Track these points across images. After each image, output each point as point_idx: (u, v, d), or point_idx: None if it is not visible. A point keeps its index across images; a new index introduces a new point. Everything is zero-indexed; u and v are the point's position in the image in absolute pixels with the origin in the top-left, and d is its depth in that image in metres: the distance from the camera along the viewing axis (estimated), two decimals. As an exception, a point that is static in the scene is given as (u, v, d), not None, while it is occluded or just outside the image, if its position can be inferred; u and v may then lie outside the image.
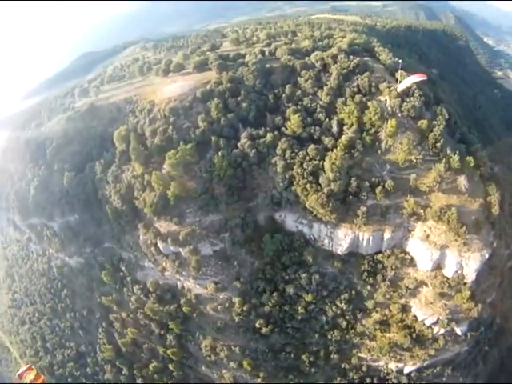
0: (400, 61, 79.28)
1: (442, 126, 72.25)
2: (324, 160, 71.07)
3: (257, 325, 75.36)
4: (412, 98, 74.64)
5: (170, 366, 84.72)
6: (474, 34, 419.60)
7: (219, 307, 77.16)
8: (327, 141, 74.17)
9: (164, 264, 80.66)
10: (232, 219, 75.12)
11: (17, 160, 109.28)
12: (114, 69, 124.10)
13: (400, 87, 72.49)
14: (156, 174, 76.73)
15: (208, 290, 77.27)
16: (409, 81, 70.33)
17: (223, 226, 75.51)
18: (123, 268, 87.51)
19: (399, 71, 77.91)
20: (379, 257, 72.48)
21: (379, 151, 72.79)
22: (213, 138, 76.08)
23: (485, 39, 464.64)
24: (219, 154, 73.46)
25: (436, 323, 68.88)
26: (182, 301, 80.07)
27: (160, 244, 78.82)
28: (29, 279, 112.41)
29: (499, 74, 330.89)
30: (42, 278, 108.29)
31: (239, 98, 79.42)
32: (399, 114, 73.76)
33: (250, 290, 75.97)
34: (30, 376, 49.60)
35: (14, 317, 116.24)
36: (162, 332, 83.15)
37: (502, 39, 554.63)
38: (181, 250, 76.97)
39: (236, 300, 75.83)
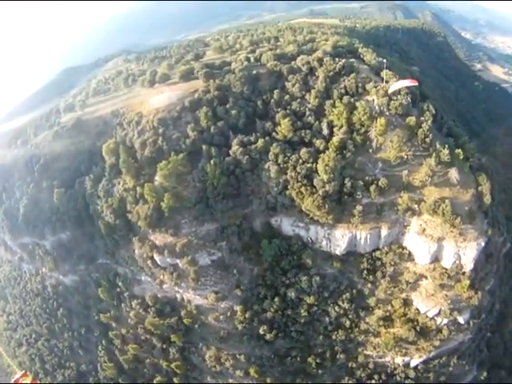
0: (385, 60, 78.44)
1: (429, 122, 71.66)
2: (317, 162, 69.51)
3: (260, 331, 72.94)
4: (399, 96, 73.75)
5: (175, 380, 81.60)
6: (452, 29, 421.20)
7: (221, 317, 74.49)
8: (319, 143, 72.51)
9: (162, 277, 77.52)
10: (228, 227, 72.70)
11: (4, 178, 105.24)
12: (98, 82, 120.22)
13: (391, 89, 71.48)
14: (148, 185, 73.74)
15: (208, 300, 74.51)
16: (400, 84, 69.74)
17: (220, 234, 73.01)
18: (120, 283, 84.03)
19: (384, 70, 77.07)
20: (377, 254, 71.12)
21: (370, 150, 71.67)
22: (204, 147, 73.46)
23: (462, 33, 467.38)
24: (211, 162, 70.96)
25: (438, 314, 68.08)
26: (183, 313, 77.12)
27: (156, 257, 75.78)
28: (23, 300, 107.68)
29: (478, 66, 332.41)
30: (36, 298, 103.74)
31: (228, 106, 77.01)
32: (387, 113, 72.82)
33: (251, 296, 73.54)
34: (26, 382, 45.93)
35: (11, 339, 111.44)
36: (164, 346, 79.96)
37: (479, 32, 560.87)
38: (178, 261, 74.12)
39: (238, 308, 73.28)
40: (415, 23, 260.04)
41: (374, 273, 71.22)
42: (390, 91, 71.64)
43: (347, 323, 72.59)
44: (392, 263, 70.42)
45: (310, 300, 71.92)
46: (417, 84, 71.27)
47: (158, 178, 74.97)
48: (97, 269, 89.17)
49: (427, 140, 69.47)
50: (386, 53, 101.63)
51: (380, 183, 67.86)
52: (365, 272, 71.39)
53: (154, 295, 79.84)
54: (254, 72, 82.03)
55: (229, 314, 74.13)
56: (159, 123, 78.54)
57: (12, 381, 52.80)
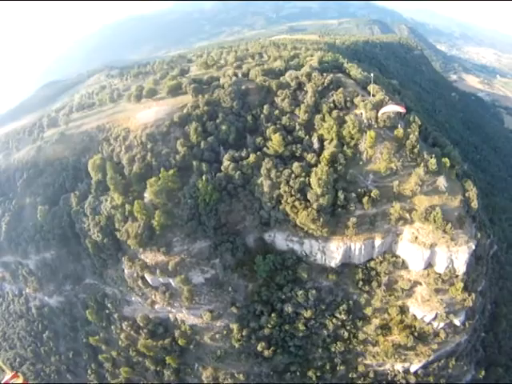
0: (372, 74, 75.79)
1: (416, 133, 69.68)
2: (309, 176, 65.81)
3: (258, 348, 67.97)
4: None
5: (170, 403, 74.78)
6: (427, 42, 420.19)
7: (217, 335, 68.98)
8: (310, 157, 68.75)
9: (153, 297, 71.21)
10: (221, 244, 67.35)
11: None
12: (82, 97, 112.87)
13: (381, 111, 69.21)
14: (138, 203, 67.64)
15: (203, 320, 68.82)
16: (390, 108, 68.30)
17: (213, 251, 67.57)
18: (108, 304, 76.82)
19: (371, 85, 74.37)
20: (372, 264, 68.02)
21: (361, 162, 68.81)
22: (194, 163, 68.26)
23: (438, 46, 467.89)
24: (203, 178, 65.71)
25: (435, 318, 65.91)
26: (177, 333, 71.01)
27: (148, 276, 69.50)
28: (6, 322, 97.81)
29: (454, 77, 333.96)
30: (20, 319, 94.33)
31: (217, 121, 72.18)
32: (375, 126, 70.19)
33: (247, 314, 68.45)
34: (17, 383, 38.42)
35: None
36: (157, 368, 73.27)
37: (454, 44, 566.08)
38: (171, 280, 68.16)
39: (234, 326, 68.03)
40: (392, 38, 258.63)
41: (369, 283, 68.05)
42: (379, 113, 69.39)
43: (345, 334, 68.68)
44: (386, 272, 67.50)
45: (307, 314, 67.59)
46: (405, 111, 70.21)
47: (147, 195, 69.06)
48: (84, 289, 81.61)
49: (415, 150, 67.79)
50: (366, 67, 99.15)
51: (372, 194, 65.22)
52: (360, 283, 68.01)
53: (145, 316, 73.17)
54: (243, 87, 77.53)
55: (225, 332, 68.70)
56: (147, 138, 72.77)
57: (3, 382, 45.66)
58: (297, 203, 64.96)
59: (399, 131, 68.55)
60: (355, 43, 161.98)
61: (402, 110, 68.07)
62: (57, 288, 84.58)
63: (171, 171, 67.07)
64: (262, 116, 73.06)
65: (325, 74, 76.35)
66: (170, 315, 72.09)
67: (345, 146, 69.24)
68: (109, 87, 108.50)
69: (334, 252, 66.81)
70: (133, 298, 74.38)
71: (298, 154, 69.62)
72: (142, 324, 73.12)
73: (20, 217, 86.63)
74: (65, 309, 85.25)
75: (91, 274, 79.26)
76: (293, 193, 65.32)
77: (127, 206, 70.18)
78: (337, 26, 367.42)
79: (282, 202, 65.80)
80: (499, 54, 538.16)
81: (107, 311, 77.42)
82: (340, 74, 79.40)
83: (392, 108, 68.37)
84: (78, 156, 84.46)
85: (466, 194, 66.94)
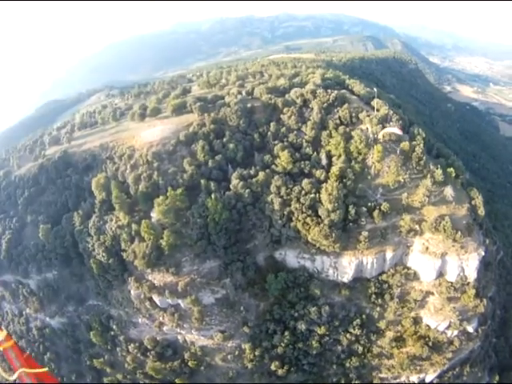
0: (375, 90, 72.88)
1: (421, 145, 66.96)
2: (319, 192, 61.94)
3: (272, 367, 62.65)
4: (391, 123, 69.06)
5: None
6: (420, 55, 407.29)
7: (229, 356, 63.18)
8: (319, 173, 64.75)
9: (161, 318, 65.01)
10: (232, 263, 62.14)
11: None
12: (83, 116, 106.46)
13: (381, 133, 66.57)
14: (146, 222, 62.02)
15: (214, 340, 62.94)
16: (389, 130, 66.20)
17: (223, 271, 62.26)
18: (114, 326, 70.03)
19: (375, 100, 71.63)
20: (384, 277, 64.19)
21: (369, 177, 65.44)
22: (202, 182, 63.20)
23: (430, 58, 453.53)
24: (212, 197, 60.58)
25: (449, 327, 62.46)
26: (186, 355, 64.74)
27: (156, 297, 63.45)
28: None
29: (448, 88, 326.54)
30: (19, 340, 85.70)
31: (224, 139, 67.63)
32: (381, 140, 66.98)
33: (260, 333, 63.15)
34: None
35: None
36: (166, 392, 66.55)
37: (446, 56, 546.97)
38: (180, 301, 62.30)
39: (246, 346, 62.57)
40: (387, 53, 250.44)
41: (381, 296, 64.01)
42: (379, 135, 66.49)
43: (360, 349, 63.97)
44: (398, 284, 63.77)
45: (320, 330, 62.77)
46: (402, 133, 67.76)
47: (154, 215, 63.48)
48: (87, 311, 74.64)
49: (421, 162, 65.42)
50: (365, 83, 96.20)
51: (382, 208, 62.07)
52: (373, 296, 63.87)
53: (152, 338, 66.70)
54: (249, 105, 73.33)
55: (237, 352, 63.03)
56: (154, 157, 67.49)
57: None
58: (308, 220, 60.80)
59: (405, 144, 65.87)
60: (351, 60, 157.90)
61: (399, 132, 65.96)
62: (59, 309, 77.56)
63: (179, 190, 61.82)
64: (269, 133, 68.79)
65: (329, 91, 73.04)
66: (179, 337, 65.90)
67: (353, 161, 65.81)
68: (110, 106, 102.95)
69: (346, 267, 62.70)
70: (139, 320, 67.88)
71: (306, 171, 65.60)
72: (149, 346, 66.59)
73: (21, 235, 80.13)
74: (67, 330, 78.00)
75: (95, 295, 72.68)
76: (304, 209, 61.12)
77: (133, 226, 64.44)
78: (332, 44, 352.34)
79: (293, 219, 61.49)
80: (491, 63, 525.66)
81: (112, 333, 70.55)
82: (344, 91, 76.10)
83: (391, 130, 66.26)
84: (81, 175, 78.82)
85: (472, 202, 64.97)
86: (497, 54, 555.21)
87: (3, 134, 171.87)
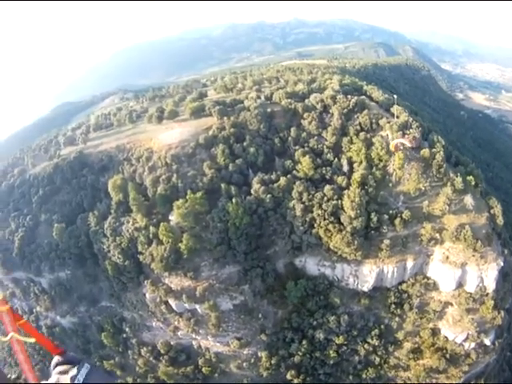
0: (395, 96, 69.44)
1: (441, 153, 63.14)
2: (341, 199, 58.12)
3: (288, 376, 58.47)
4: (411, 130, 64.91)
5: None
6: (432, 61, 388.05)
7: (244, 364, 59.08)
8: (340, 180, 61.01)
9: (177, 323, 60.87)
10: (251, 269, 58.06)
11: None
12: (98, 117, 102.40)
13: (391, 144, 62.62)
14: (164, 225, 57.97)
15: (230, 347, 58.80)
16: (401, 140, 62.08)
17: (242, 277, 58.10)
18: (126, 329, 65.97)
19: (395, 106, 68.30)
20: (404, 286, 60.23)
21: (390, 184, 61.56)
22: (223, 186, 59.23)
23: (442, 65, 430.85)
24: (233, 201, 56.63)
25: (466, 339, 58.58)
26: (200, 361, 60.50)
27: (172, 302, 59.35)
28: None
29: (460, 96, 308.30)
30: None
31: (245, 143, 63.64)
32: (393, 150, 63.29)
33: (277, 341, 59.02)
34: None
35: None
36: (178, 398, 62.19)
37: (457, 63, 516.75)
38: (197, 306, 58.15)
39: (262, 354, 58.45)
40: (399, 60, 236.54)
41: (401, 306, 60.13)
42: (391, 146, 62.59)
43: (377, 360, 60.04)
44: (418, 294, 59.95)
45: (338, 340, 58.76)
46: (414, 146, 63.70)
47: (173, 218, 59.40)
48: (99, 312, 70.35)
49: (441, 170, 61.53)
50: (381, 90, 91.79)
51: (403, 216, 58.14)
52: (392, 306, 59.96)
53: (166, 342, 62.53)
54: (269, 110, 69.38)
55: (252, 360, 58.93)
56: (173, 160, 63.49)
57: None
58: (330, 226, 57.03)
59: (425, 151, 62.09)
60: (365, 66, 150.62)
61: (408, 144, 61.98)
62: (70, 308, 73.24)
63: (199, 194, 57.85)
64: (289, 139, 64.89)
65: (349, 97, 69.32)
66: (194, 342, 61.72)
67: (374, 168, 62.01)
68: (125, 109, 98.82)
69: (366, 276, 58.83)
70: (153, 323, 63.77)
71: (328, 177, 61.75)
72: (162, 350, 62.39)
73: (34, 233, 75.73)
74: (78, 330, 73.66)
75: (108, 296, 68.41)
76: (326, 216, 57.25)
77: (151, 228, 60.29)
78: (344, 51, 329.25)
79: (315, 225, 57.63)
80: (502, 69, 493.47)
81: (124, 335, 66.48)
82: (363, 97, 72.52)
83: (402, 140, 62.27)
84: (97, 175, 74.68)
85: (491, 211, 61.05)
86: (508, 61, 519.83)
87: (18, 134, 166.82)
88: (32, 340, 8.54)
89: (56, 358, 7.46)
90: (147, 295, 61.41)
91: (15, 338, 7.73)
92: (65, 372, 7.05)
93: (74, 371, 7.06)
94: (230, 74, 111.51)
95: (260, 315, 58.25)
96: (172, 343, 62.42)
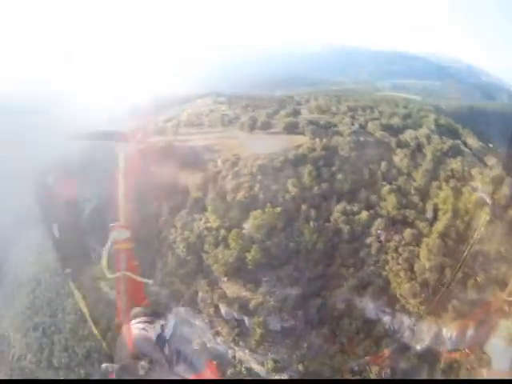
0: (491, 145, 65.12)
1: None
2: (419, 246, 55.46)
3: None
4: (503, 186, 59.81)
5: None
6: None
7: (272, 388, 57.33)
8: (422, 226, 58.18)
9: (220, 328, 61.63)
10: (311, 297, 57.26)
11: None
12: (189, 115, 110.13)
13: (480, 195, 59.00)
14: (236, 231, 60.18)
15: (264, 367, 57.72)
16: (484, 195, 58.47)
17: (300, 302, 57.27)
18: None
19: (490, 157, 64.17)
20: (457, 355, 54.02)
21: (471, 240, 56.66)
22: (303, 206, 59.80)
23: None
24: (310, 224, 56.76)
25: None
26: (230, 371, 60.11)
27: (223, 307, 60.59)
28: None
29: None
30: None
31: (333, 168, 63.95)
32: (489, 202, 58.45)
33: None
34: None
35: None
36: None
37: None
38: (246, 319, 58.73)
39: None
40: (495, 105, 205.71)
41: (446, 374, 53.66)
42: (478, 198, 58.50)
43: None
44: (469, 368, 53.16)
45: (374, 394, 54.51)
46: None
47: (247, 226, 61.32)
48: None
49: None
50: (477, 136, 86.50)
51: (478, 278, 53.60)
52: (439, 373, 53.74)
53: (202, 343, 63.44)
54: (362, 139, 69.32)
55: (282, 388, 56.97)
56: (259, 170, 66.02)
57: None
58: (402, 273, 54.57)
59: None
60: (460, 108, 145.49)
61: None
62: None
63: (278, 209, 59.16)
64: (378, 172, 63.91)
65: (444, 138, 66.40)
66: (230, 351, 61.90)
67: (458, 220, 58.32)
68: (217, 111, 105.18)
69: (424, 333, 54.72)
70: (197, 322, 65.40)
71: (410, 220, 59.51)
72: (198, 350, 63.39)
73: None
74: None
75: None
76: (400, 261, 54.94)
77: (222, 231, 62.85)
78: (439, 87, 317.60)
79: (387, 268, 55.54)
80: None
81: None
82: (458, 141, 69.01)
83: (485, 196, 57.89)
84: (179, 168, 79.89)
85: None
86: None
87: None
88: (150, 281, 9.07)
89: (137, 309, 7.19)
90: (200, 293, 63.41)
91: (126, 277, 7.84)
92: (151, 322, 6.69)
93: (158, 323, 6.74)
94: (324, 95, 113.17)
95: (305, 345, 56.67)
96: (208, 345, 63.18)
